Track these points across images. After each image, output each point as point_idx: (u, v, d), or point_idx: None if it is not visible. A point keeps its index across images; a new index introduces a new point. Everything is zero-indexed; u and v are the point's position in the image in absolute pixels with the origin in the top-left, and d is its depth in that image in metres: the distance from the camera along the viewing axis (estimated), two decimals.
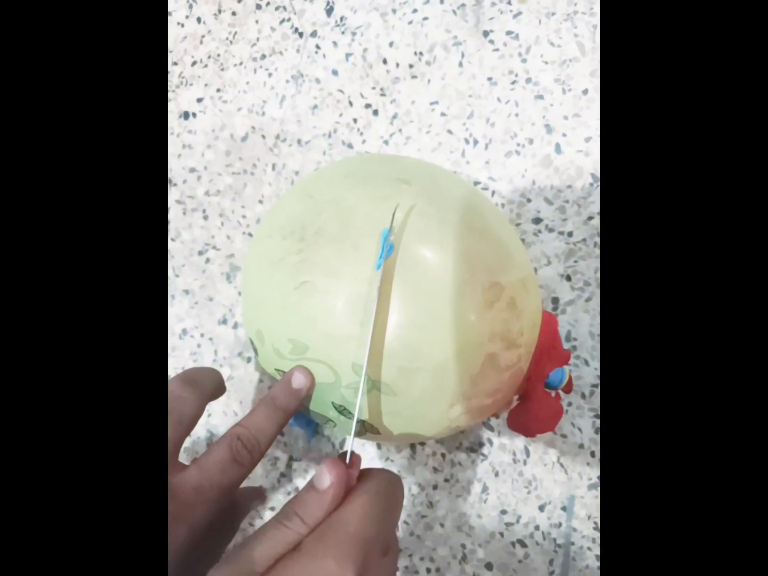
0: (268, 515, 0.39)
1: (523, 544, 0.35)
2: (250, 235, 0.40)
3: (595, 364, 0.34)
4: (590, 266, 0.35)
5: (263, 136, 0.41)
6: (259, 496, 0.26)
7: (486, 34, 0.37)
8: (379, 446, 0.37)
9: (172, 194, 0.42)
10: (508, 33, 0.37)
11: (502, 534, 0.35)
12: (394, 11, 0.39)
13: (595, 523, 0.34)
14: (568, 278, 0.35)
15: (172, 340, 0.41)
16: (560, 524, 0.34)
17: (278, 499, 0.39)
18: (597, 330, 0.34)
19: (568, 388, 0.29)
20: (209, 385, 0.23)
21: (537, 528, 0.34)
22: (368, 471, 0.21)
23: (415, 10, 0.39)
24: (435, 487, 0.36)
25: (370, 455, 0.37)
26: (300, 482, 0.38)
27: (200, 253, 0.41)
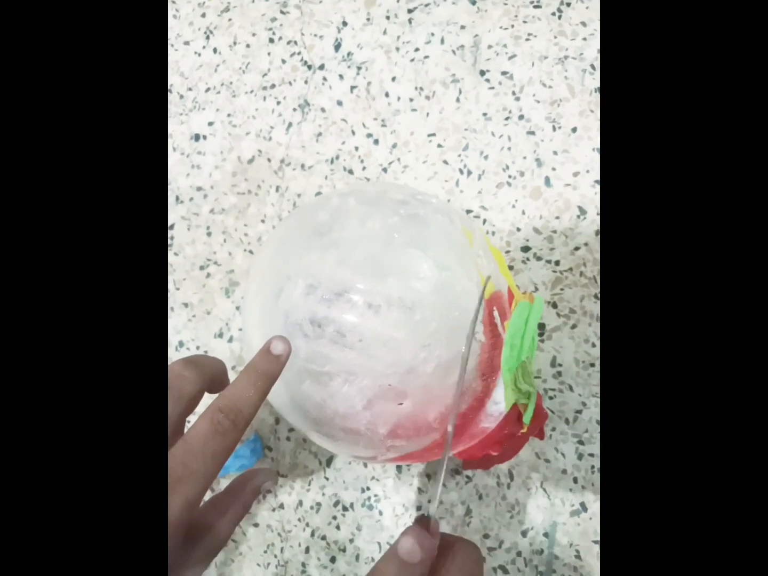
0: (251, 531, 0.39)
1: (505, 570, 0.34)
2: (251, 252, 0.42)
3: (579, 390, 0.35)
4: (576, 294, 0.36)
5: (269, 160, 0.43)
6: (270, 477, 0.26)
7: (482, 73, 0.40)
8: (365, 465, 0.38)
9: (178, 211, 0.44)
10: (504, 73, 0.39)
11: (484, 559, 0.35)
12: (397, 49, 0.42)
13: (577, 551, 0.34)
14: (554, 305, 0.36)
15: (169, 352, 0.42)
16: (542, 551, 0.34)
17: (262, 515, 0.39)
18: (582, 356, 0.35)
19: (540, 436, 0.30)
20: (210, 369, 0.24)
21: (519, 554, 0.34)
22: (450, 542, 0.22)
23: (417, 49, 0.41)
24: (419, 508, 0.36)
25: (355, 474, 0.37)
26: (285, 499, 0.38)
27: (201, 267, 0.43)
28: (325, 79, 0.42)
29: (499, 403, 0.25)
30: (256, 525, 0.39)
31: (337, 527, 0.37)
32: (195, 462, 0.19)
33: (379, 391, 0.22)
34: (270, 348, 0.22)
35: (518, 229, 0.37)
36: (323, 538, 0.38)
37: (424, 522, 0.21)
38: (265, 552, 0.38)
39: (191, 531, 0.22)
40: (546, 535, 0.34)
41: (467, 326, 0.23)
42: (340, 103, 0.42)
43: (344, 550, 0.37)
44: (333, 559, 0.37)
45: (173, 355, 0.42)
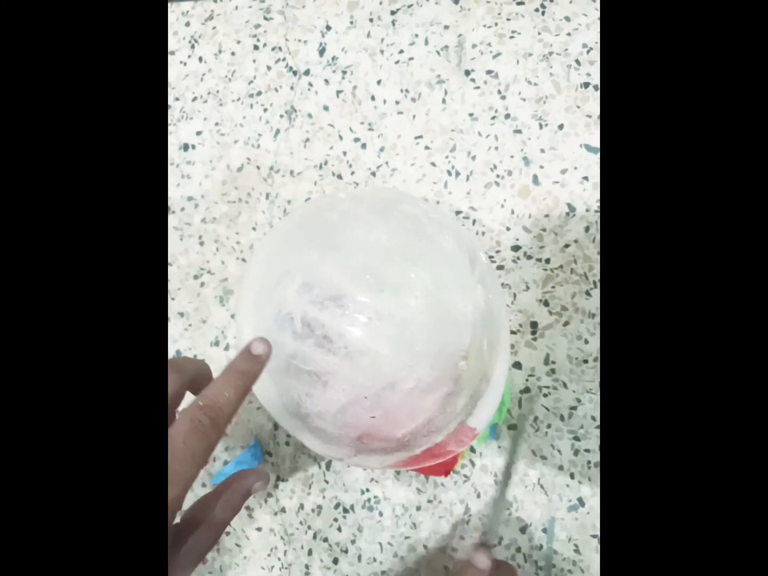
0: (254, 535, 0.39)
1: None
2: (244, 260, 0.42)
3: (573, 386, 0.35)
4: (567, 292, 0.36)
5: (258, 167, 0.43)
6: (261, 478, 0.26)
7: (468, 73, 0.40)
8: (364, 467, 0.38)
9: (171, 221, 0.44)
10: (489, 72, 0.39)
11: None
12: (382, 52, 0.42)
13: (575, 545, 0.34)
14: (546, 303, 0.36)
15: None
16: (541, 546, 0.35)
17: (265, 519, 0.39)
18: (575, 353, 0.35)
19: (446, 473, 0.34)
20: (191, 369, 0.24)
21: (518, 550, 0.35)
22: (497, 561, 0.29)
23: (401, 51, 0.41)
24: (418, 508, 0.37)
25: (354, 477, 0.38)
26: (286, 502, 0.39)
27: (195, 277, 0.43)
28: (310, 84, 0.43)
29: (474, 429, 0.25)
30: (258, 529, 0.39)
31: (339, 529, 0.38)
32: (175, 462, 0.19)
33: (354, 399, 0.23)
34: (251, 349, 0.22)
35: (508, 229, 0.37)
36: (325, 540, 0.38)
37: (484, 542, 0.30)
38: (269, 555, 0.39)
39: (174, 533, 0.22)
40: (545, 530, 0.35)
41: (454, 353, 0.23)
42: (326, 108, 0.42)
43: (346, 552, 0.38)
44: (336, 561, 0.38)
45: None
